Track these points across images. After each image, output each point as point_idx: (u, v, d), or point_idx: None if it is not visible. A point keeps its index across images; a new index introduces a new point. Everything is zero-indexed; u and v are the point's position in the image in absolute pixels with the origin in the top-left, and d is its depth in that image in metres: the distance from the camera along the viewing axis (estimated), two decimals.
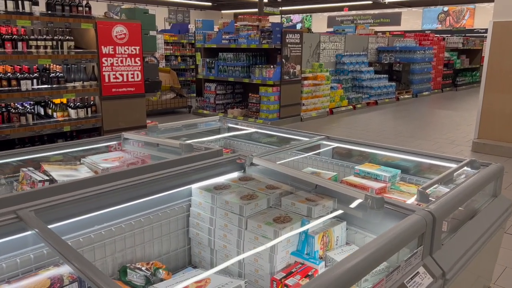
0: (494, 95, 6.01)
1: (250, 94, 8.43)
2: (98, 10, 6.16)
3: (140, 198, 1.63)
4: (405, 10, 24.32)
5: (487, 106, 6.08)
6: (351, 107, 9.99)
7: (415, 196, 1.74)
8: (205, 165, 1.89)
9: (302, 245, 1.56)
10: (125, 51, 5.23)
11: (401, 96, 11.75)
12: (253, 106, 8.31)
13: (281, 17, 26.34)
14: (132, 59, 5.31)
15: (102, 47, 5.02)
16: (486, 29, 6.01)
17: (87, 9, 4.90)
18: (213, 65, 8.80)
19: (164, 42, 10.81)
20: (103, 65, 5.07)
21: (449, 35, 15.85)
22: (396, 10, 24.40)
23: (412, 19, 24.33)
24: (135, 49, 5.31)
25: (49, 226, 1.40)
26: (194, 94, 10.67)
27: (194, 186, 1.80)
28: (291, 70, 8.08)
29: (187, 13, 25.39)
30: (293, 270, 1.48)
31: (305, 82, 8.61)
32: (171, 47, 11.17)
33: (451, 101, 11.93)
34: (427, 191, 1.68)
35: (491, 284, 2.30)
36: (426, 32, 18.08)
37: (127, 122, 5.34)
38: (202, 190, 1.75)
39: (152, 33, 5.60)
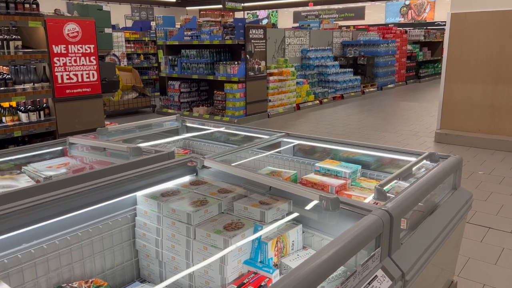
0: (454, 86, 6.12)
1: (215, 91, 8.28)
2: (57, 7, 5.79)
3: (76, 210, 1.48)
4: (369, 4, 24.70)
5: (448, 97, 6.19)
6: (318, 102, 10.00)
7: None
8: (153, 170, 1.75)
9: (255, 252, 1.45)
10: (78, 50, 4.96)
11: (366, 90, 11.88)
12: (219, 104, 8.16)
13: (246, 13, 26.21)
14: (87, 58, 5.05)
15: (53, 46, 4.75)
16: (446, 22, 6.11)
17: (34, 6, 4.61)
18: (176, 62, 8.58)
19: (125, 40, 10.47)
20: (55, 65, 4.80)
21: (411, 28, 16.18)
22: (360, 4, 24.74)
23: (376, 13, 24.74)
24: (89, 47, 5.05)
25: None
26: (159, 93, 10.41)
27: (140, 193, 1.66)
28: (256, 66, 7.98)
29: (151, 10, 24.83)
30: (245, 281, 1.37)
31: (271, 78, 8.53)
32: (132, 45, 10.83)
33: (415, 93, 12.17)
34: (384, 188, 1.61)
35: (454, 276, 2.27)
36: (389, 25, 18.40)
37: (84, 125, 5.08)
38: (148, 198, 1.62)
39: (107, 30, 5.35)
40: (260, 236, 1.45)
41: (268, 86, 8.45)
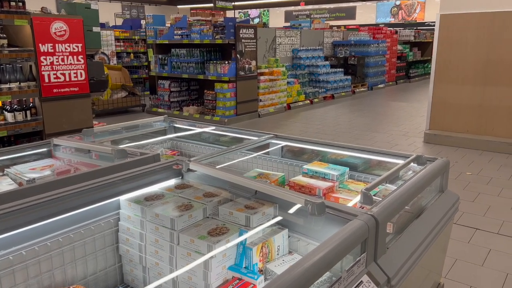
0: (443, 86, 6.15)
1: (205, 91, 8.24)
2: (48, 5, 5.69)
3: (58, 215, 1.44)
4: (360, 4, 24.79)
5: (437, 97, 6.23)
6: (308, 101, 10.01)
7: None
8: (137, 173, 1.72)
9: (240, 258, 1.43)
10: (66, 48, 4.89)
11: (357, 89, 11.92)
12: (209, 103, 8.12)
13: (236, 12, 26.16)
14: (75, 57, 4.98)
15: (40, 45, 4.67)
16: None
17: (20, 4, 4.53)
18: (166, 61, 8.52)
19: (115, 39, 10.37)
20: (42, 64, 4.72)
21: (402, 28, 16.27)
22: (351, 4, 24.82)
23: (367, 13, 24.84)
24: (77, 46, 4.99)
25: None
26: (149, 92, 10.34)
27: (123, 197, 1.63)
28: (247, 66, 7.95)
29: (142, 9, 24.64)
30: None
31: (262, 77, 8.51)
32: (122, 43, 10.74)
33: (404, 93, 12.23)
34: (371, 191, 1.60)
35: (441, 279, 2.28)
36: (380, 25, 18.48)
37: (71, 125, 5.02)
38: (131, 202, 1.59)
39: (95, 29, 5.28)
40: (245, 241, 1.43)
41: (258, 86, 8.43)
